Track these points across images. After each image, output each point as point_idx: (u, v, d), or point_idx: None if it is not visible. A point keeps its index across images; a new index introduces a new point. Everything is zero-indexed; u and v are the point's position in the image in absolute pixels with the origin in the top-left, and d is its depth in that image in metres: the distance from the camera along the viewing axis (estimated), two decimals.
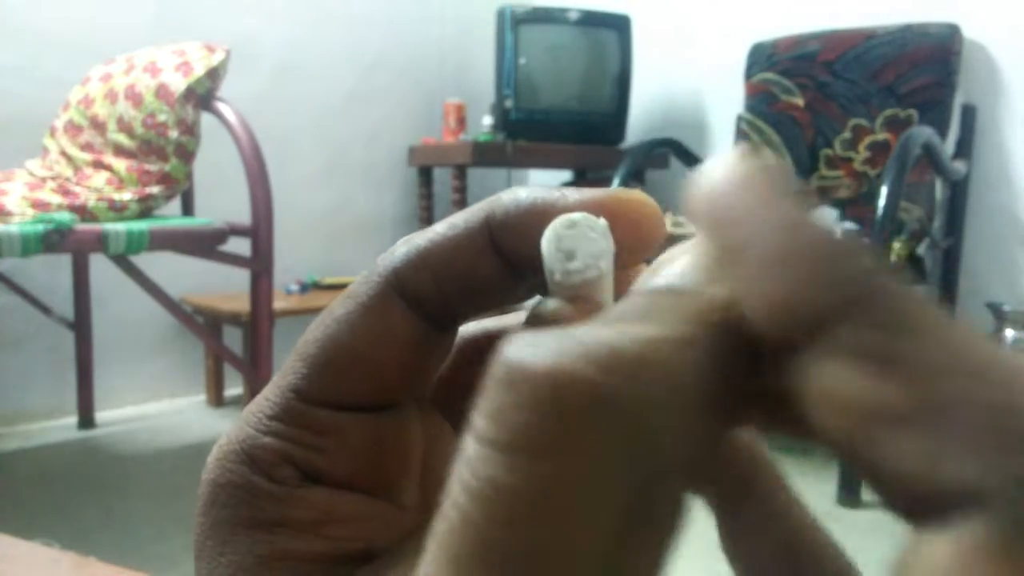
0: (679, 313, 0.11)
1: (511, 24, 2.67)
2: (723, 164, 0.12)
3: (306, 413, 0.17)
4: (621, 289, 0.16)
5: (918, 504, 0.09)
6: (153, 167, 1.81)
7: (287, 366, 0.18)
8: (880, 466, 0.10)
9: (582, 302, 0.15)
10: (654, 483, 0.10)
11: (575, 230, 0.15)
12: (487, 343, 0.19)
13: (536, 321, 0.15)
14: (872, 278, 0.10)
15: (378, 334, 0.17)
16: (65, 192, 1.78)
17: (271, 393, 0.18)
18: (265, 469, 0.17)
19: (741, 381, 0.11)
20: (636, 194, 0.16)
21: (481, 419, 0.10)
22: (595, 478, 0.10)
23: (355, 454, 0.17)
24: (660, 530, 0.10)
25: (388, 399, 0.18)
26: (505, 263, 0.17)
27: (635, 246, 0.16)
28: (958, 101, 2.25)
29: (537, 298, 0.17)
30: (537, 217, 0.16)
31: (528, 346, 0.10)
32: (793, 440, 0.12)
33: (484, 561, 0.10)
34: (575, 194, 0.16)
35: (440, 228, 0.17)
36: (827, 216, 0.11)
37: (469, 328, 0.19)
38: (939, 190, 2.18)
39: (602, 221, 0.15)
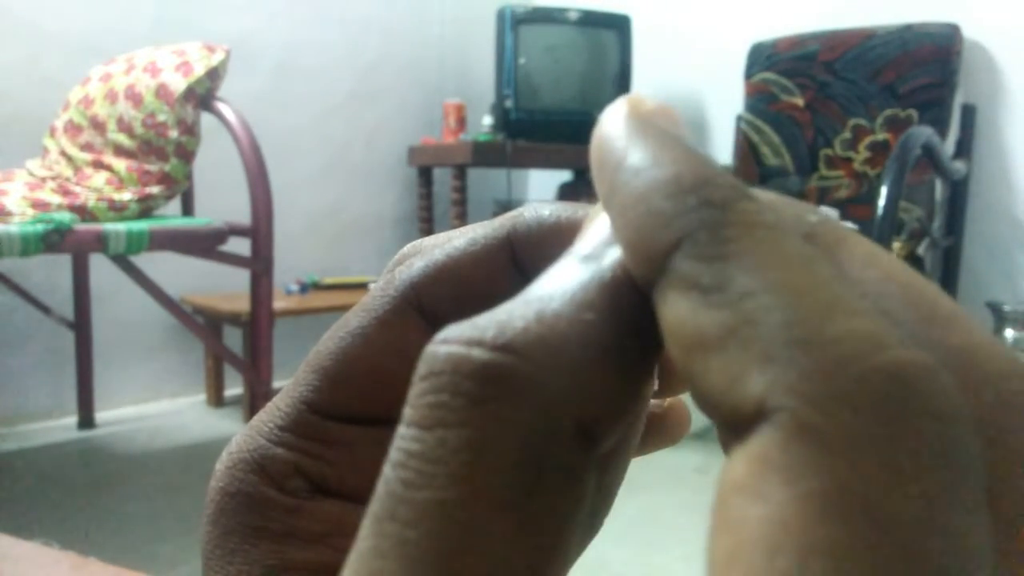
0: (577, 282, 0.12)
1: (511, 24, 2.67)
2: (608, 113, 0.13)
3: (318, 425, 0.17)
4: None
5: (730, 425, 0.10)
6: (153, 167, 1.81)
7: (299, 376, 0.18)
8: (698, 389, 0.10)
9: None
10: (544, 449, 0.11)
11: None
12: None
13: None
14: (703, 207, 0.11)
15: (394, 349, 0.17)
16: (65, 192, 1.78)
17: (282, 403, 0.18)
18: (276, 480, 0.17)
19: (644, 328, 0.12)
20: None
21: (405, 407, 0.12)
22: (489, 445, 0.11)
23: (367, 466, 0.17)
24: (556, 497, 0.11)
25: (401, 412, 0.18)
26: (525, 280, 0.17)
27: None
28: (958, 101, 2.25)
29: None
30: (561, 235, 0.16)
31: (441, 337, 0.12)
32: None
33: (396, 519, 0.11)
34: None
35: (459, 243, 0.17)
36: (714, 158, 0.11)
37: None
38: (939, 190, 2.18)
39: None
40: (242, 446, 0.18)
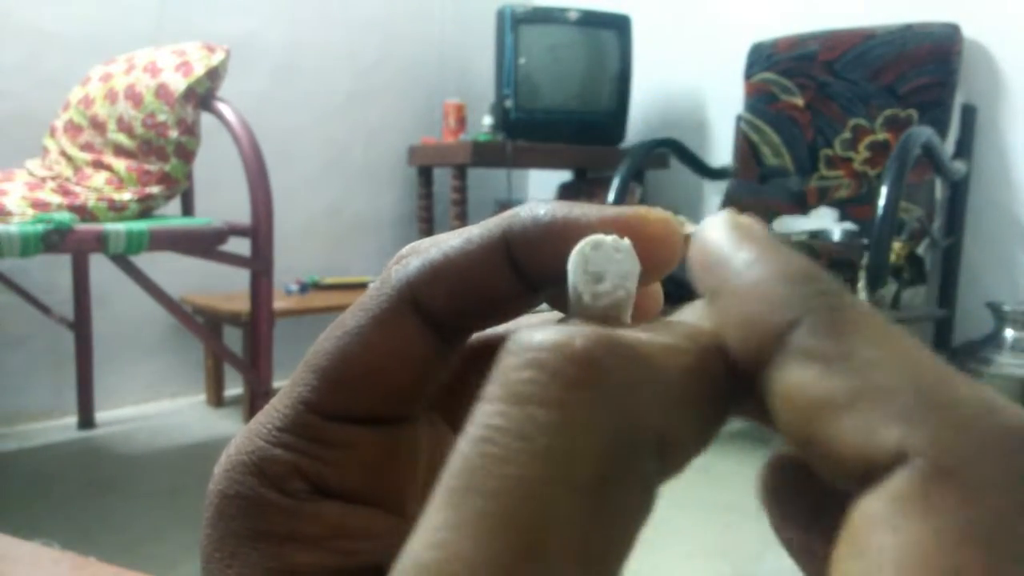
0: (672, 330, 0.13)
1: (511, 24, 2.67)
2: (708, 224, 0.14)
3: (317, 426, 0.17)
4: (640, 305, 0.16)
5: (863, 474, 0.11)
6: (153, 167, 1.81)
7: (296, 377, 0.18)
8: (825, 447, 0.11)
9: (610, 322, 0.15)
10: (627, 450, 0.11)
11: (602, 251, 0.15)
12: (488, 350, 0.19)
13: None
14: (818, 295, 0.12)
15: (391, 348, 0.17)
16: (65, 192, 1.78)
17: (280, 404, 0.18)
18: (275, 482, 0.17)
19: (724, 392, 0.13)
20: (657, 212, 0.16)
21: (489, 384, 0.12)
22: (580, 427, 0.11)
23: (366, 467, 0.17)
24: (630, 497, 0.12)
25: (400, 412, 0.18)
26: (521, 278, 0.17)
27: (656, 265, 0.16)
28: (958, 101, 2.25)
29: (543, 306, 0.17)
30: (557, 234, 0.16)
31: (538, 330, 0.12)
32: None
33: (476, 492, 0.11)
34: (596, 211, 0.16)
35: (455, 242, 0.17)
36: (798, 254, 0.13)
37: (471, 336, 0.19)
38: (939, 190, 2.18)
39: (627, 241, 0.15)
40: (240, 448, 0.18)
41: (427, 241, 0.18)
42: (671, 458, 0.12)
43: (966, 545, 0.10)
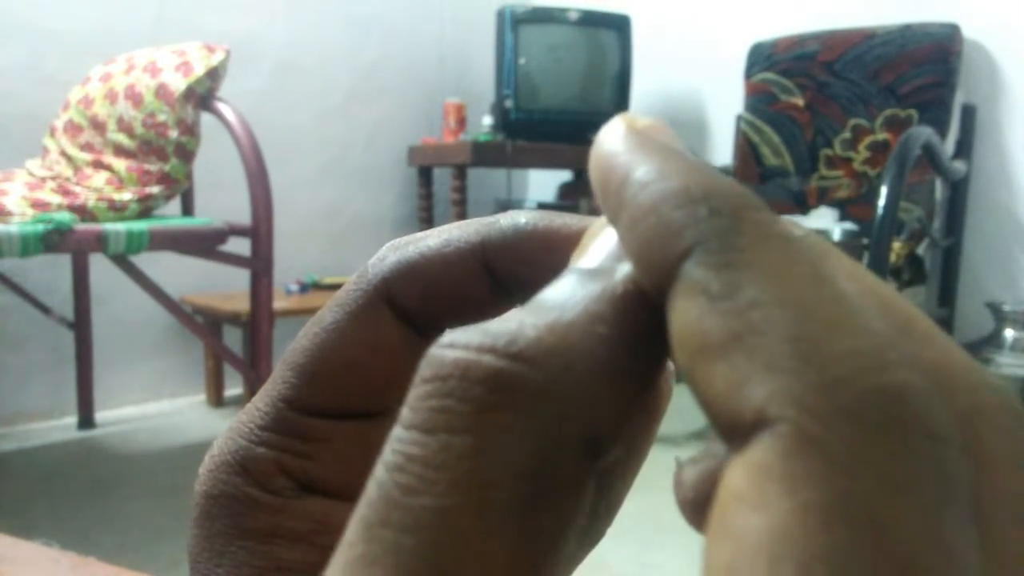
0: (588, 295, 0.12)
1: (511, 24, 2.67)
2: (604, 132, 0.13)
3: (298, 422, 0.17)
4: None
5: (729, 430, 0.10)
6: (153, 167, 1.81)
7: (276, 375, 0.18)
8: (700, 394, 0.10)
9: None
10: (551, 461, 0.11)
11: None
12: None
13: None
14: (714, 216, 0.11)
15: (367, 341, 0.17)
16: (65, 192, 1.78)
17: (261, 403, 0.18)
18: (259, 480, 0.17)
19: (653, 343, 0.12)
20: None
21: (404, 408, 0.11)
22: (496, 450, 0.11)
23: (347, 462, 0.17)
24: (559, 509, 0.11)
25: (378, 406, 0.18)
26: (496, 283, 0.17)
27: None
28: (958, 101, 2.25)
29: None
30: (537, 243, 0.16)
31: (446, 341, 0.11)
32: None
33: (391, 525, 0.10)
34: (577, 221, 0.16)
35: (433, 243, 0.17)
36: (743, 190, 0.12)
37: None
38: (939, 190, 2.18)
39: None
40: (223, 448, 0.18)
41: (407, 239, 0.18)
42: (603, 448, 0.11)
43: (831, 528, 0.09)
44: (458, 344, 0.11)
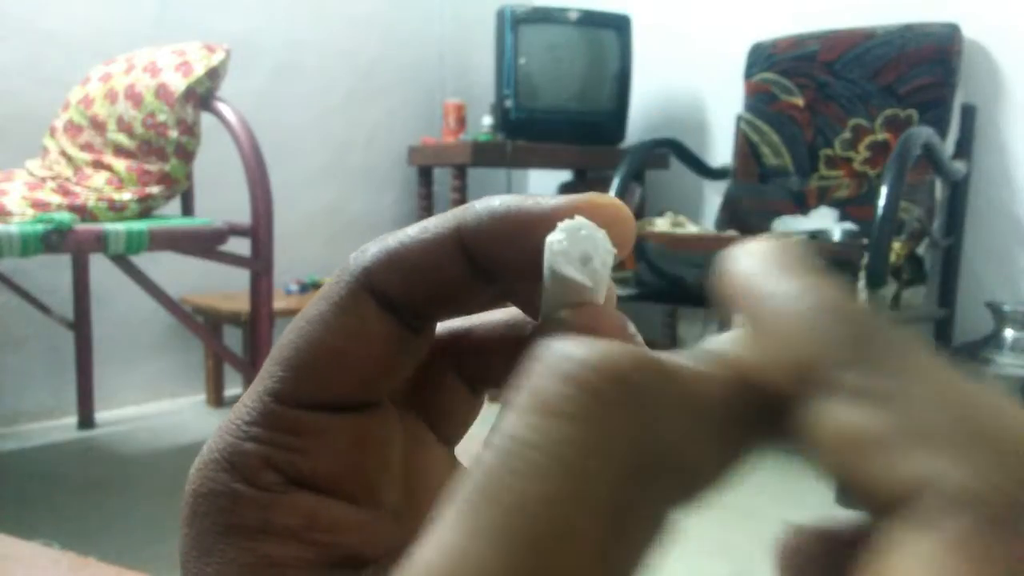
0: (706, 359, 0.14)
1: (511, 24, 2.67)
2: (747, 250, 0.14)
3: (285, 415, 0.17)
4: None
5: (899, 513, 0.11)
6: (153, 167, 1.81)
7: (263, 371, 0.18)
8: (871, 483, 0.11)
9: (590, 306, 0.15)
10: (650, 472, 0.12)
11: (585, 233, 0.15)
12: (453, 343, 0.20)
13: (554, 327, 0.15)
14: (865, 333, 0.12)
15: (352, 331, 0.17)
16: (65, 192, 1.78)
17: (248, 399, 0.18)
18: (247, 475, 0.17)
19: (751, 424, 0.13)
20: (608, 198, 0.16)
21: (519, 392, 0.12)
22: (605, 451, 0.11)
23: (337, 454, 0.17)
24: (647, 521, 0.12)
25: (366, 397, 0.18)
26: (474, 269, 0.17)
27: (618, 245, 0.16)
28: (958, 101, 2.25)
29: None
30: (511, 225, 0.17)
31: (571, 341, 0.12)
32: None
33: (499, 504, 0.11)
34: (550, 201, 0.17)
35: (411, 231, 0.17)
36: (841, 284, 0.14)
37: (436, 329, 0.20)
38: (939, 190, 2.18)
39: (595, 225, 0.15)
40: (212, 447, 0.18)
41: (390, 234, 0.18)
42: (688, 484, 0.12)
43: None
44: (594, 344, 0.12)
